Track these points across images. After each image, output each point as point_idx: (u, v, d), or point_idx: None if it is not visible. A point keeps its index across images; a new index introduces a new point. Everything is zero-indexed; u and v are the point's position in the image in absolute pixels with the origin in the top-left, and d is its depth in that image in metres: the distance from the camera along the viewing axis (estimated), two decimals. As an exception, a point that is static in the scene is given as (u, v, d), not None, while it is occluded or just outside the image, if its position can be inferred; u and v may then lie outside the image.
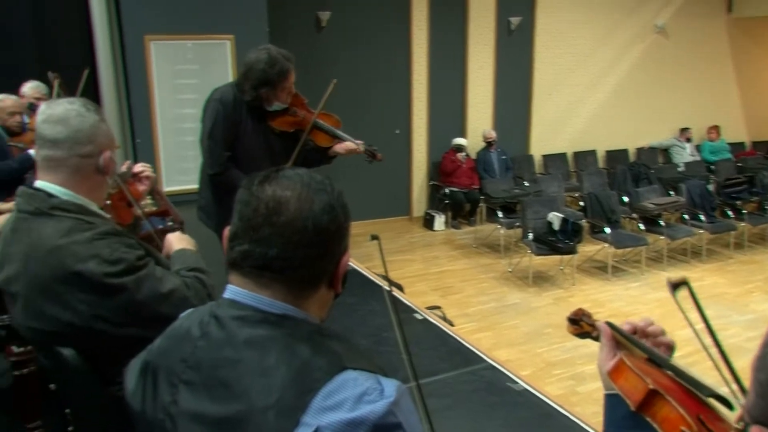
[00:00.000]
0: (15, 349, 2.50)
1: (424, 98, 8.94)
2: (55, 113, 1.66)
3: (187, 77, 5.98)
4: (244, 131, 3.05)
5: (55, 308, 1.58)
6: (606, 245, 7.06)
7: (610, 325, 1.20)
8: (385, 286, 2.35)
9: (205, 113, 3.09)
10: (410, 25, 8.65)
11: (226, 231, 1.08)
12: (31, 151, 3.74)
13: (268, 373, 0.96)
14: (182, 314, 1.17)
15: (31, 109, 4.50)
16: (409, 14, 8.61)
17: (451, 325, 4.83)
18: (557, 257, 6.97)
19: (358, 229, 8.04)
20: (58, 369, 1.72)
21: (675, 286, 1.16)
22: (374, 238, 2.24)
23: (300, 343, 1.00)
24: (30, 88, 4.85)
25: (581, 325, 1.26)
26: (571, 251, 6.70)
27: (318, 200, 1.04)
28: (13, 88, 4.83)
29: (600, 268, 7.22)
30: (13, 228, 1.68)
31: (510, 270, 7.17)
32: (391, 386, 0.96)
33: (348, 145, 3.17)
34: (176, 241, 1.99)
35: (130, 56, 5.78)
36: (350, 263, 4.09)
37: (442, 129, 9.05)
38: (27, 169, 3.85)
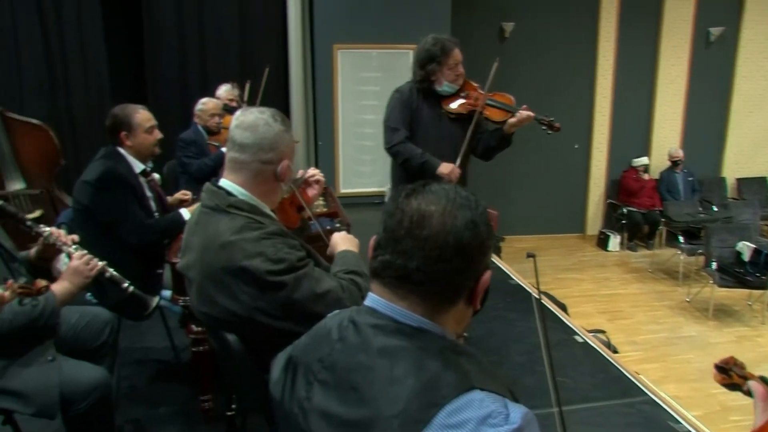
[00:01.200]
0: (194, 327, 2.79)
1: (606, 113, 8.57)
2: (247, 120, 1.82)
3: (370, 84, 6.25)
4: (421, 117, 3.24)
5: (223, 297, 1.73)
6: (807, 284, 6.31)
7: (764, 380, 1.08)
8: (536, 299, 2.29)
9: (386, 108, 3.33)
10: (597, 37, 8.33)
11: (372, 240, 1.12)
12: (224, 149, 4.09)
13: (397, 383, 0.98)
14: (329, 314, 1.22)
15: (226, 110, 4.92)
16: (596, 26, 8.30)
17: (615, 351, 4.60)
18: (745, 291, 6.34)
19: (527, 243, 7.90)
20: (223, 352, 1.88)
21: None
22: (530, 256, 2.20)
23: (431, 357, 1.01)
24: (224, 91, 5.34)
25: (730, 375, 1.13)
26: (763, 286, 6.06)
27: (461, 216, 1.04)
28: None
29: (798, 309, 6.47)
30: (196, 220, 1.88)
31: (688, 300, 6.66)
32: (517, 412, 0.94)
33: (522, 113, 3.19)
34: (341, 241, 2.09)
35: (319, 63, 6.19)
36: (515, 278, 4.02)
37: (623, 145, 8.61)
38: (221, 165, 4.22)
